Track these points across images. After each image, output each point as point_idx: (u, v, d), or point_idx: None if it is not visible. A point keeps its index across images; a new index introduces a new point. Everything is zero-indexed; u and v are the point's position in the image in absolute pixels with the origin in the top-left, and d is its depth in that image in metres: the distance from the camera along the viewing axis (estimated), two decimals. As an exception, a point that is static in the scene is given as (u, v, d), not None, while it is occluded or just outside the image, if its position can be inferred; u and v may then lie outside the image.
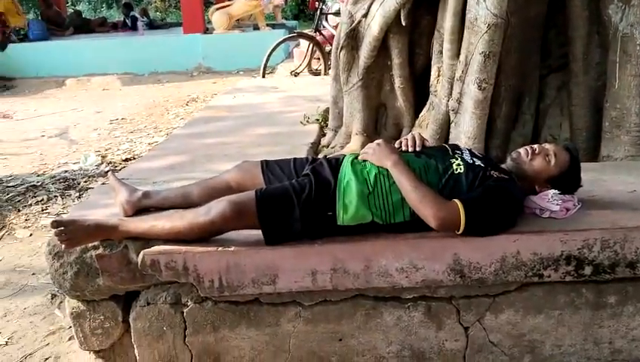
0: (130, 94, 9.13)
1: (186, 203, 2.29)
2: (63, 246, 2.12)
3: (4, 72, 10.57)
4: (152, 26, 12.91)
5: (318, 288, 2.16)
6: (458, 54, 2.94)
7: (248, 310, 2.22)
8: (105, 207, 2.44)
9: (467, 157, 2.18)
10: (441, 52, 3.08)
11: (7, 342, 2.75)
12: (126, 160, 5.41)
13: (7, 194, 4.72)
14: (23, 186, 4.90)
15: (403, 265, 2.11)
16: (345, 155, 2.30)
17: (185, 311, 2.22)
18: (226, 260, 2.13)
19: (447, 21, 2.97)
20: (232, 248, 2.13)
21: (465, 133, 2.90)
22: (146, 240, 2.16)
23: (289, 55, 10.04)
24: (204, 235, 2.14)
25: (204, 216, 2.10)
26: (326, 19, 8.14)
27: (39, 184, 4.93)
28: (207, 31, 11.15)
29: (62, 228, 2.09)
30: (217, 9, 10.90)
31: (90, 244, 2.17)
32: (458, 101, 2.94)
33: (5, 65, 10.62)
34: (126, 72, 10.32)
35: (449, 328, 2.23)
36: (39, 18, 12.62)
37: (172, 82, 9.79)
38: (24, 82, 10.29)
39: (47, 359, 2.61)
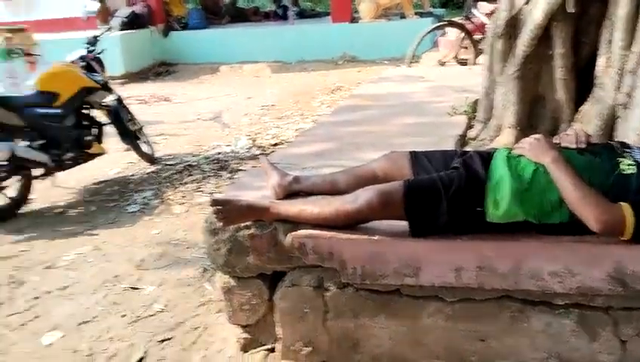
0: (278, 81, 9.46)
1: (333, 189, 2.32)
2: (220, 224, 2.24)
3: (167, 58, 11.35)
4: (302, 15, 13.24)
5: (461, 285, 2.10)
6: (631, 44, 2.70)
7: (389, 300, 2.21)
8: (257, 189, 2.54)
9: (638, 156, 1.99)
10: (610, 41, 2.84)
11: (162, 309, 2.97)
12: (274, 144, 5.62)
13: (167, 172, 5.10)
14: (181, 165, 5.27)
15: (557, 269, 1.98)
16: (497, 149, 2.20)
17: (327, 295, 2.26)
18: (369, 248, 2.13)
19: (620, 8, 2.73)
20: (376, 237, 2.13)
21: (634, 129, 2.65)
22: (294, 223, 2.22)
23: (434, 44, 9.83)
24: (350, 222, 2.15)
25: (350, 204, 2.11)
26: (475, 7, 7.86)
27: (195, 164, 5.28)
28: (354, 20, 11.23)
29: (219, 206, 2.21)
30: (365, -2, 10.91)
31: (242, 224, 2.27)
32: (628, 95, 2.70)
33: (167, 51, 11.41)
34: (276, 60, 10.65)
35: (604, 340, 2.06)
36: (199, 7, 13.42)
37: (317, 70, 9.99)
38: (183, 68, 10.98)
39: (196, 328, 2.78)
